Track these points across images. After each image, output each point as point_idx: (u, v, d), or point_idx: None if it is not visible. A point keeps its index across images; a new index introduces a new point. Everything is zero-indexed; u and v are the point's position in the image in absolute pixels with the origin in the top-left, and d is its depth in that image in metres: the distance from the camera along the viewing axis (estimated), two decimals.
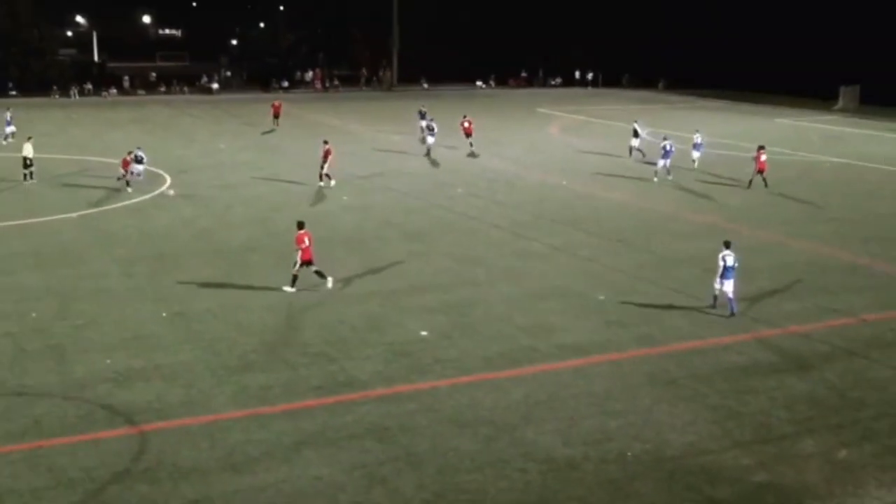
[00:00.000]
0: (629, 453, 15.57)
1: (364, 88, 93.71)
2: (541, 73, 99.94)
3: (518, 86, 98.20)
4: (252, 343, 20.45)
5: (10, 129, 49.84)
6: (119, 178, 37.71)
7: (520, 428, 16.46)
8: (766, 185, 38.71)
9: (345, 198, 36.74)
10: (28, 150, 38.89)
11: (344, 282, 25.08)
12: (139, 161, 38.55)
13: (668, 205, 35.98)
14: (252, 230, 31.28)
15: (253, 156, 47.64)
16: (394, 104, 77.93)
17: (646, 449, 15.74)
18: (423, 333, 21.18)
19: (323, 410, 17.10)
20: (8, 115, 51.40)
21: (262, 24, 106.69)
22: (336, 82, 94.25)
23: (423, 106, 56.35)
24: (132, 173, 37.89)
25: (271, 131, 58.31)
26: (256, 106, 73.20)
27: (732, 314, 22.71)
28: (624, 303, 23.66)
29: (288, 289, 24.02)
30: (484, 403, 17.49)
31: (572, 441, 15.96)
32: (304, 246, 23.89)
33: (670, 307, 23.34)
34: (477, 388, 18.21)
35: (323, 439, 15.93)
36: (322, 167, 38.67)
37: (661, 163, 41.15)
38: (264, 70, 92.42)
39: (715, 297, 23.12)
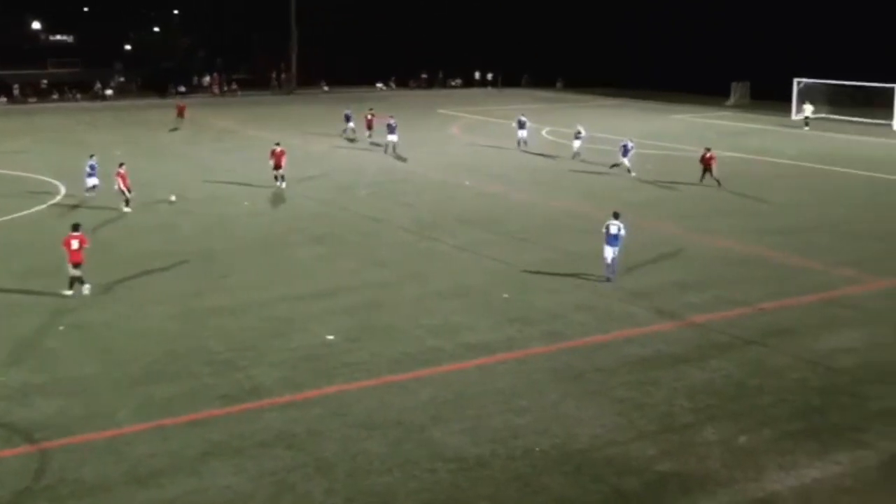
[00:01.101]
0: (537, 448, 15.74)
1: (272, 92, 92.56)
2: (441, 75, 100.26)
3: (418, 87, 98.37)
4: (154, 353, 20.08)
5: None
6: (124, 194, 34.70)
7: (428, 428, 16.51)
8: (704, 180, 39.59)
9: (246, 203, 36.34)
10: None
11: (248, 288, 24.89)
12: (92, 172, 36.01)
13: (570, 202, 36.48)
14: (153, 237, 30.72)
15: (151, 162, 46.69)
16: (292, 108, 77.31)
17: (554, 444, 15.93)
18: (330, 337, 21.07)
19: (229, 419, 16.89)
20: None
21: (156, 29, 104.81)
22: (234, 86, 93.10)
23: (347, 108, 57.30)
24: (90, 187, 36.02)
25: (175, 129, 60.17)
26: (153, 112, 72.02)
27: (608, 280, 24.90)
28: (528, 300, 23.90)
29: (66, 292, 23.86)
30: (392, 405, 17.50)
31: (480, 439, 16.06)
32: (71, 249, 23.83)
33: (574, 303, 23.66)
34: (385, 391, 18.21)
35: (230, 448, 15.73)
36: (277, 169, 38.72)
37: (624, 160, 42.14)
38: (160, 75, 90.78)
39: (610, 268, 24.94)
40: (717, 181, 39.18)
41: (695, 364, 19.63)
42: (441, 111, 73.32)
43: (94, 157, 37.04)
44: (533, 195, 38.01)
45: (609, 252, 25.03)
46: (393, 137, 48.99)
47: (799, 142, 55.42)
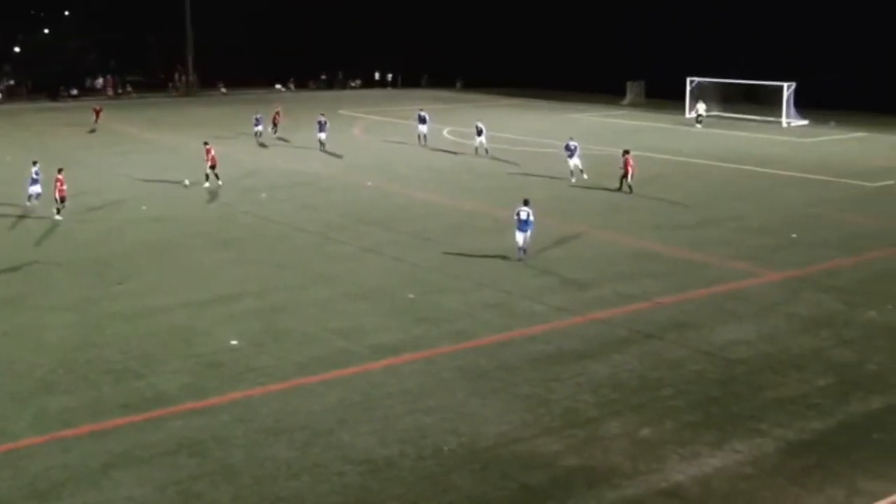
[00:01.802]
0: (445, 448, 15.83)
1: (171, 94, 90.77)
2: (340, 75, 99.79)
3: (318, 88, 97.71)
4: (52, 364, 19.56)
5: None
6: (56, 202, 33.54)
7: (336, 431, 16.45)
8: (630, 190, 37.85)
9: (144, 207, 35.62)
10: None
11: (148, 294, 24.44)
12: (35, 179, 34.66)
13: (473, 202, 36.72)
14: (50, 244, 29.91)
15: (44, 168, 45.35)
16: (191, 110, 76.03)
17: (461, 442, 16.04)
18: (234, 342, 20.83)
19: (131, 428, 16.56)
20: None
21: (46, 31, 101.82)
22: (129, 88, 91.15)
23: (257, 113, 56.71)
24: (31, 196, 34.63)
25: (93, 131, 60.23)
26: (44, 115, 70.16)
27: (520, 259, 27.04)
28: (434, 300, 24.00)
29: None
30: (299, 409, 17.39)
31: (388, 440, 16.08)
32: None
33: (478, 301, 23.84)
34: (291, 395, 18.09)
35: (133, 458, 15.42)
36: (210, 168, 39.41)
37: (571, 162, 40.76)
38: (51, 78, 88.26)
39: (522, 251, 27.19)
40: (630, 187, 37.75)
41: (597, 359, 19.97)
42: (342, 112, 72.92)
43: (37, 165, 35.65)
44: (436, 195, 38.15)
45: (520, 237, 27.21)
46: (322, 135, 50.65)
47: (692, 139, 56.78)
